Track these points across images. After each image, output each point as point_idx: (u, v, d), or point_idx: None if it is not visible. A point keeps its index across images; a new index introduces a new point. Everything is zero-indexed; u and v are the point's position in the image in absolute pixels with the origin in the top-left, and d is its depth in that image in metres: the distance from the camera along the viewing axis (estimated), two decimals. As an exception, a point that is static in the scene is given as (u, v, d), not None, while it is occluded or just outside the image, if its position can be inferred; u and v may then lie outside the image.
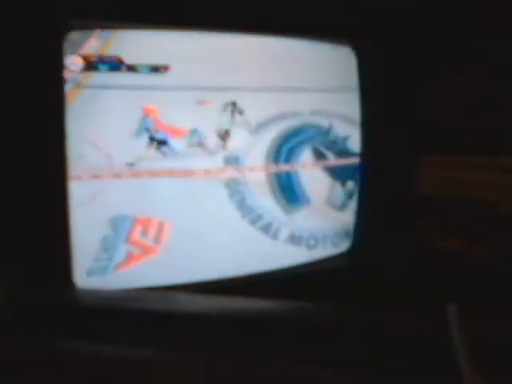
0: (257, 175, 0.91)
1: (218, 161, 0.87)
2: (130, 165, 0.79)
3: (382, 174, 0.92)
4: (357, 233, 0.94)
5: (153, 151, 0.81)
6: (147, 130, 0.79)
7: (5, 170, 0.65)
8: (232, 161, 0.88)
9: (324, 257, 0.93)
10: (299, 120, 0.93)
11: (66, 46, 0.69)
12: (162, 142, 0.80)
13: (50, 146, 0.69)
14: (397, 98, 0.91)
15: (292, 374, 0.42)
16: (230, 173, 0.88)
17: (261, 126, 0.89)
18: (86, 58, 0.71)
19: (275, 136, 0.91)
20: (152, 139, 0.79)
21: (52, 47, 0.67)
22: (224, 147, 0.87)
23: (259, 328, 0.46)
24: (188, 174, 0.84)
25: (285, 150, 0.93)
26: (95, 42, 0.72)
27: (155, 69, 0.75)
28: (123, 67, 0.73)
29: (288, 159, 0.93)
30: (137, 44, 0.74)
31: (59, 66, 0.68)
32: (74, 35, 0.70)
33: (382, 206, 0.92)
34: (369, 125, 0.92)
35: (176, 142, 0.82)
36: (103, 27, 0.72)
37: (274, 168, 0.92)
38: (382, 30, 0.87)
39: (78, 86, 0.73)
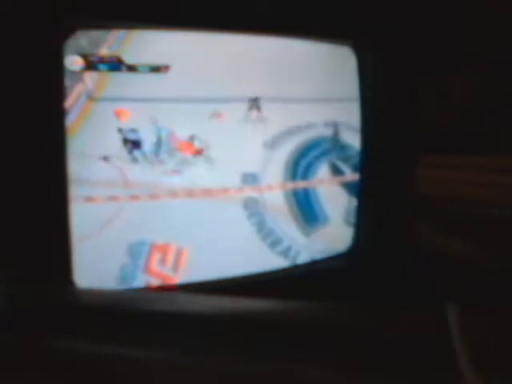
0: (275, 194, 0.88)
1: (235, 178, 0.84)
2: (146, 185, 0.77)
3: (381, 173, 0.92)
4: (357, 233, 0.94)
5: (169, 171, 0.79)
6: (120, 130, 0.76)
7: (5, 169, 0.65)
8: (250, 178, 0.85)
9: (324, 257, 0.93)
10: (314, 133, 0.91)
11: (66, 46, 0.69)
12: (135, 144, 0.77)
13: (50, 147, 0.68)
14: (397, 98, 0.91)
15: (292, 374, 0.42)
16: (249, 192, 0.85)
17: (277, 139, 0.87)
18: (86, 58, 0.71)
19: (291, 151, 0.89)
20: (126, 140, 0.76)
21: (52, 48, 0.67)
22: (241, 163, 0.84)
23: (259, 328, 0.46)
24: (206, 193, 0.81)
25: (302, 165, 0.90)
26: (95, 42, 0.72)
27: (155, 69, 0.75)
28: (123, 67, 0.73)
29: (305, 176, 0.90)
30: (137, 44, 0.74)
31: (60, 69, 0.68)
32: (73, 35, 0.70)
33: (381, 205, 0.92)
34: (368, 125, 0.92)
35: (191, 158, 0.80)
36: (103, 27, 0.72)
37: (291, 185, 0.90)
38: (382, 30, 0.87)
39: (92, 99, 0.72)
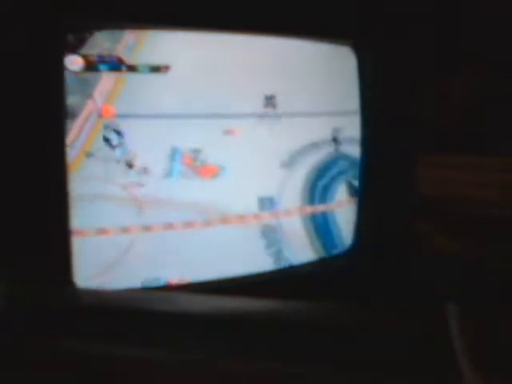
0: (293, 219, 0.86)
1: (252, 203, 0.81)
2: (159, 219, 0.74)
3: (382, 173, 0.92)
4: (357, 233, 0.94)
5: (181, 196, 0.76)
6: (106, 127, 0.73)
7: (5, 169, 0.65)
8: (267, 203, 0.82)
9: (324, 257, 0.92)
10: (330, 150, 0.88)
11: (66, 46, 0.69)
12: (106, 140, 0.73)
13: (50, 146, 0.68)
14: (397, 98, 0.91)
15: (292, 374, 0.42)
16: (266, 218, 0.82)
17: (293, 158, 0.84)
18: (86, 58, 0.71)
19: (308, 171, 0.86)
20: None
21: (52, 48, 0.67)
22: (257, 185, 0.81)
23: (259, 328, 0.46)
24: (223, 220, 0.79)
25: (319, 187, 0.87)
26: (96, 42, 0.72)
27: (156, 69, 0.75)
28: (123, 67, 0.73)
29: (323, 198, 0.88)
30: (138, 44, 0.74)
31: (60, 70, 0.68)
32: (73, 35, 0.70)
33: (382, 206, 0.92)
34: (368, 125, 0.92)
35: (205, 181, 0.77)
36: (104, 27, 0.72)
37: (310, 209, 0.87)
38: (382, 30, 0.87)
39: (100, 117, 0.71)
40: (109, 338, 0.45)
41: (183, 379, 0.43)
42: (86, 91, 0.70)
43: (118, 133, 0.73)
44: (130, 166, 0.74)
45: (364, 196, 0.94)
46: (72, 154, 0.70)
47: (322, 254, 0.91)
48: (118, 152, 0.73)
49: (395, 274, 0.89)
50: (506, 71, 0.94)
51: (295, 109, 0.86)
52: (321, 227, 0.90)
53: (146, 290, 0.76)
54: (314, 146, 0.87)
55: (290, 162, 0.85)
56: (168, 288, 0.78)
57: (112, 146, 0.73)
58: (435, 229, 1.00)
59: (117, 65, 0.73)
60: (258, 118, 0.82)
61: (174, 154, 0.76)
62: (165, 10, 0.72)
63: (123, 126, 0.73)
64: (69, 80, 0.69)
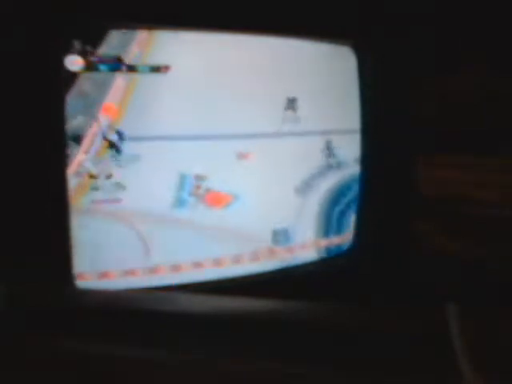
0: (308, 254, 0.83)
1: (266, 237, 0.77)
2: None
3: (382, 173, 0.92)
4: (357, 233, 0.94)
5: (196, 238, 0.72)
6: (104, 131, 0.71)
7: (5, 170, 0.65)
8: (281, 236, 0.79)
9: (324, 257, 0.92)
10: (345, 172, 0.86)
11: (66, 46, 0.69)
12: (112, 145, 0.71)
13: (50, 147, 0.68)
14: (397, 98, 0.91)
15: (292, 374, 0.42)
16: (281, 254, 0.78)
17: (307, 183, 0.81)
18: (86, 58, 0.71)
19: (323, 197, 0.83)
20: (105, 139, 0.71)
21: (52, 49, 0.67)
22: (271, 216, 0.76)
23: (259, 328, 0.46)
24: (236, 260, 0.75)
25: (335, 216, 0.85)
26: (96, 43, 0.71)
27: (156, 69, 0.75)
28: (123, 67, 0.73)
29: (340, 229, 0.85)
30: (138, 44, 0.74)
31: (60, 70, 0.68)
32: (74, 35, 0.70)
33: (382, 206, 0.92)
34: (369, 125, 0.92)
35: (216, 212, 0.73)
36: (104, 27, 0.72)
37: (325, 242, 0.84)
38: (382, 30, 0.87)
39: (106, 139, 0.70)
40: (109, 338, 0.45)
41: (183, 379, 0.43)
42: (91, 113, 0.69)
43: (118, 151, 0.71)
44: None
45: (364, 196, 0.94)
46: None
47: (323, 254, 0.91)
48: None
49: (395, 274, 0.89)
50: (506, 71, 0.94)
51: (312, 115, 0.84)
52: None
53: (146, 290, 0.76)
54: (329, 166, 0.84)
55: (305, 187, 0.82)
56: (168, 288, 0.78)
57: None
58: (435, 229, 1.00)
59: (117, 65, 0.73)
60: (272, 136, 0.79)
61: (182, 181, 0.73)
62: (164, 10, 0.72)
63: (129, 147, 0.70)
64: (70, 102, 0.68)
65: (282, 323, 0.47)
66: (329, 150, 0.86)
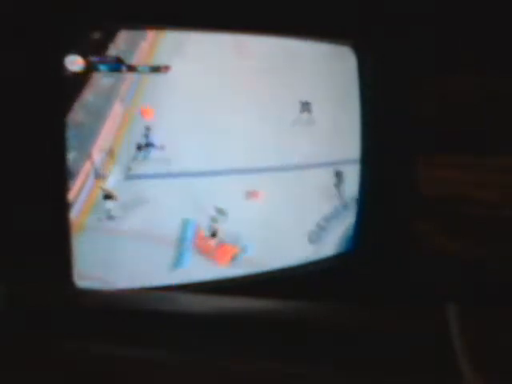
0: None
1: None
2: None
3: (382, 174, 0.92)
4: (357, 233, 0.94)
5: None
6: (145, 136, 0.70)
7: (5, 170, 0.65)
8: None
9: (324, 257, 0.92)
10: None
11: (66, 46, 0.69)
12: (148, 145, 0.71)
13: (50, 145, 0.68)
14: (397, 98, 0.91)
15: (292, 374, 0.42)
16: None
17: (323, 225, 0.78)
18: (86, 58, 0.71)
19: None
20: (140, 147, 0.71)
21: (52, 49, 0.67)
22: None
23: (259, 328, 0.46)
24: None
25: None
26: (96, 43, 0.71)
27: (155, 69, 0.75)
28: (123, 67, 0.73)
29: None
30: (138, 44, 0.74)
31: (60, 70, 0.68)
32: (74, 35, 0.70)
33: (382, 206, 0.92)
34: (369, 125, 0.92)
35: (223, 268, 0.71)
36: (104, 27, 0.72)
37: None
38: (382, 30, 0.87)
39: (99, 177, 0.70)
40: (109, 338, 0.45)
41: (183, 379, 0.43)
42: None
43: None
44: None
45: (364, 196, 0.94)
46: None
47: (323, 254, 0.91)
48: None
49: (395, 274, 0.89)
50: (506, 71, 0.94)
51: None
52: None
53: (146, 290, 0.76)
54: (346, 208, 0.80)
55: (319, 231, 0.77)
56: (168, 288, 0.78)
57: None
58: (435, 229, 1.00)
59: (116, 65, 0.73)
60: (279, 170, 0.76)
61: (184, 228, 0.71)
62: (164, 10, 0.72)
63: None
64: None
65: (282, 323, 0.47)
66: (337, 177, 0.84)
